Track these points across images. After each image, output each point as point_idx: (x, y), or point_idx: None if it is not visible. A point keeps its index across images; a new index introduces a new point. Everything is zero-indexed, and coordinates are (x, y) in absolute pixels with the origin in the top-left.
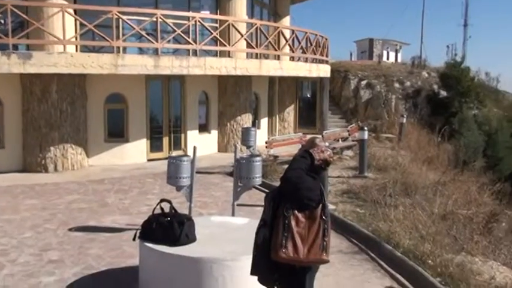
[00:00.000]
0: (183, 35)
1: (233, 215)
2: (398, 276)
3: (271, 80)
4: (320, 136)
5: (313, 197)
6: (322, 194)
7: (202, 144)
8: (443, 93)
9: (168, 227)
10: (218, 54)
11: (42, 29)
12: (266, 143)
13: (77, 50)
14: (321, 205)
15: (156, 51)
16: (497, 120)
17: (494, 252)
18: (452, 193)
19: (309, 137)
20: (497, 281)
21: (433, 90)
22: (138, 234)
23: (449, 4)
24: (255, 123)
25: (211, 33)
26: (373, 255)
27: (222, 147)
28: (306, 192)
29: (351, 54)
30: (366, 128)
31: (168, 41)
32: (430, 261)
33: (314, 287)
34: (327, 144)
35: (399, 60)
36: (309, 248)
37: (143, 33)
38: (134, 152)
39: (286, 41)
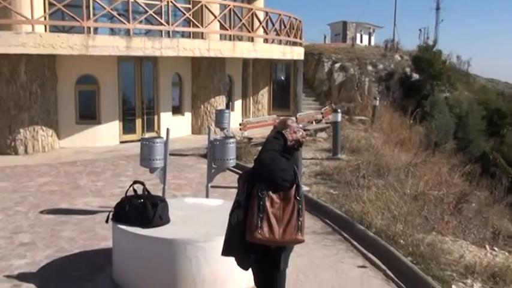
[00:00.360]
0: (155, 15)
1: (207, 196)
2: (370, 256)
3: (245, 62)
4: (292, 118)
5: (287, 177)
6: (295, 174)
7: (175, 127)
8: (416, 76)
9: (141, 209)
10: (191, 35)
11: (9, 8)
12: (240, 125)
13: (46, 30)
14: (294, 186)
15: (128, 32)
16: (468, 103)
17: (464, 232)
18: (423, 174)
19: (282, 119)
20: (466, 259)
21: (405, 73)
22: (111, 216)
23: None
24: (229, 106)
25: (184, 14)
26: (346, 235)
27: (196, 130)
28: (280, 173)
29: (324, 37)
30: (339, 110)
31: (140, 22)
32: (401, 241)
33: (289, 266)
34: (299, 125)
35: (372, 43)
36: (284, 229)
37: (114, 13)
38: (106, 134)
39: (260, 23)
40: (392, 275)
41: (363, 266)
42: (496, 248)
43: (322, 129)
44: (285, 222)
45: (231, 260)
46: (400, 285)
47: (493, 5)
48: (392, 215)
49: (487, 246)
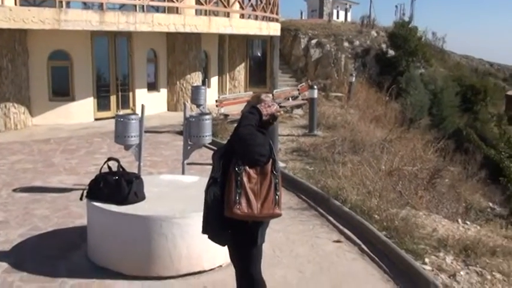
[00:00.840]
0: None
1: (183, 173)
2: (346, 230)
3: (221, 38)
4: (267, 93)
5: (263, 152)
6: (271, 149)
7: (151, 103)
8: (392, 52)
9: (116, 186)
10: (166, 10)
11: None
12: (216, 101)
13: (16, 4)
14: (271, 160)
15: (101, 7)
16: (443, 80)
17: (437, 207)
18: (398, 150)
19: (256, 93)
20: (439, 233)
21: (381, 49)
22: (85, 194)
23: None
24: (205, 82)
25: None
26: (321, 211)
27: (172, 106)
28: (257, 148)
29: (301, 13)
30: (315, 87)
31: None
32: (376, 216)
33: (265, 242)
34: (275, 101)
35: (349, 19)
36: (262, 203)
37: None
38: (81, 111)
39: None
40: (366, 249)
41: (338, 241)
42: (468, 222)
43: (298, 106)
44: (262, 197)
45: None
46: (375, 259)
47: None
48: (367, 191)
49: (459, 220)
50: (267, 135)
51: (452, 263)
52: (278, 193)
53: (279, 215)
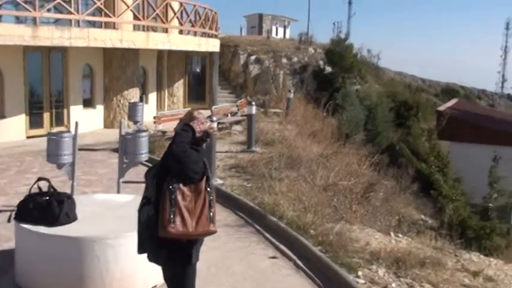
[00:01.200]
0: (64, 4)
1: (118, 192)
2: (281, 246)
3: (160, 53)
4: (199, 110)
5: (197, 169)
6: (205, 166)
7: (86, 120)
8: (329, 69)
9: (46, 207)
10: (103, 25)
11: None
12: (154, 118)
13: None
14: (205, 177)
15: (34, 21)
16: (377, 96)
17: (371, 220)
18: (334, 165)
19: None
20: (372, 246)
21: (318, 66)
22: (13, 216)
23: None
24: (143, 98)
25: (95, 3)
26: (258, 227)
27: (108, 123)
28: (191, 166)
29: (241, 29)
30: (253, 103)
31: (48, 10)
32: (312, 231)
33: (200, 260)
34: (215, 117)
35: (287, 36)
36: (197, 221)
37: (20, 0)
38: (11, 129)
39: (175, 14)
40: (302, 265)
41: (274, 257)
42: (400, 235)
43: (237, 122)
44: (197, 215)
45: (141, 257)
46: (309, 274)
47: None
48: (303, 206)
49: (392, 233)
50: (200, 153)
51: (384, 275)
52: (213, 210)
53: (214, 232)
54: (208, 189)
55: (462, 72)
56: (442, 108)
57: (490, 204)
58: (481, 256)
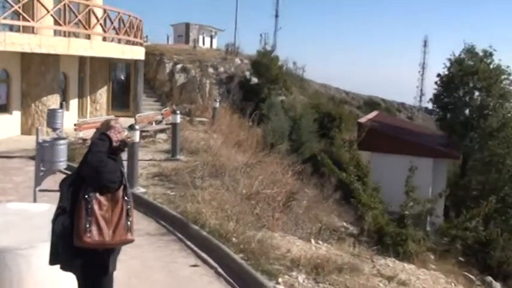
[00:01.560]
0: None
1: (35, 201)
2: (203, 255)
3: (82, 60)
4: (116, 118)
5: (114, 179)
6: (122, 175)
7: (2, 126)
8: (255, 79)
9: None
10: (21, 29)
11: None
12: (75, 125)
13: None
14: (122, 186)
15: None
16: (302, 107)
17: (293, 228)
18: (258, 174)
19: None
20: (293, 253)
21: (245, 76)
22: None
23: None
24: (63, 105)
25: (13, 7)
26: (180, 236)
27: (26, 130)
28: (107, 175)
29: (167, 38)
30: (178, 112)
31: None
32: (234, 239)
33: (119, 270)
34: (139, 125)
35: (214, 46)
36: (113, 230)
37: None
38: None
39: (98, 20)
40: (223, 272)
41: (195, 265)
42: (320, 242)
43: (162, 131)
44: (114, 224)
45: (57, 268)
46: (230, 281)
47: (328, 14)
48: (226, 214)
49: (313, 240)
50: (118, 162)
51: (304, 281)
52: (130, 219)
53: (131, 241)
54: (126, 198)
55: (384, 86)
56: (362, 120)
57: (406, 212)
58: (396, 261)
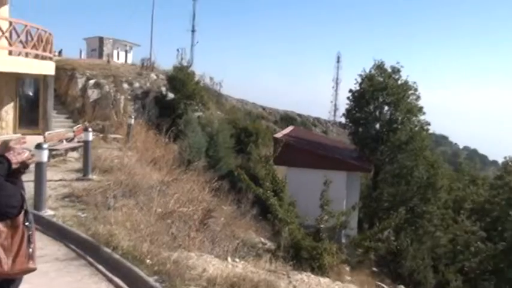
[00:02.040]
0: None
1: None
2: (116, 279)
3: None
4: (16, 138)
5: (14, 203)
6: (23, 199)
7: None
8: (171, 95)
9: None
10: None
11: None
12: None
13: None
14: (23, 211)
15: None
16: (219, 123)
17: (210, 246)
18: (175, 192)
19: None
20: (209, 273)
21: (161, 92)
22: None
23: (179, 10)
24: None
25: None
26: (91, 260)
27: None
28: (6, 199)
29: (80, 52)
30: (90, 129)
31: None
32: (148, 261)
33: None
34: (49, 143)
35: (129, 61)
36: (13, 259)
37: None
38: None
39: (3, 33)
40: None
41: None
42: (237, 259)
43: (73, 149)
44: (14, 252)
45: None
46: None
47: (245, 28)
48: (140, 235)
49: (229, 258)
50: (18, 185)
51: None
52: (32, 246)
53: (33, 270)
54: (27, 223)
55: (300, 101)
56: (278, 135)
57: (322, 226)
58: (312, 276)
